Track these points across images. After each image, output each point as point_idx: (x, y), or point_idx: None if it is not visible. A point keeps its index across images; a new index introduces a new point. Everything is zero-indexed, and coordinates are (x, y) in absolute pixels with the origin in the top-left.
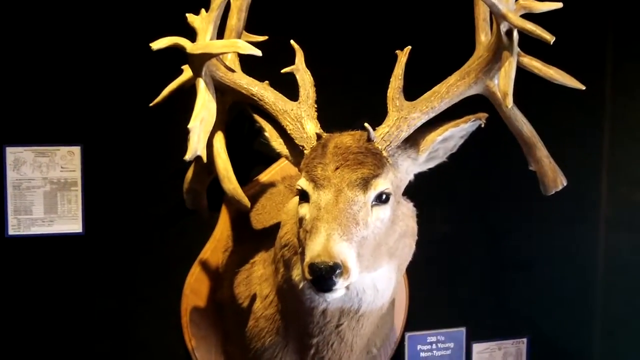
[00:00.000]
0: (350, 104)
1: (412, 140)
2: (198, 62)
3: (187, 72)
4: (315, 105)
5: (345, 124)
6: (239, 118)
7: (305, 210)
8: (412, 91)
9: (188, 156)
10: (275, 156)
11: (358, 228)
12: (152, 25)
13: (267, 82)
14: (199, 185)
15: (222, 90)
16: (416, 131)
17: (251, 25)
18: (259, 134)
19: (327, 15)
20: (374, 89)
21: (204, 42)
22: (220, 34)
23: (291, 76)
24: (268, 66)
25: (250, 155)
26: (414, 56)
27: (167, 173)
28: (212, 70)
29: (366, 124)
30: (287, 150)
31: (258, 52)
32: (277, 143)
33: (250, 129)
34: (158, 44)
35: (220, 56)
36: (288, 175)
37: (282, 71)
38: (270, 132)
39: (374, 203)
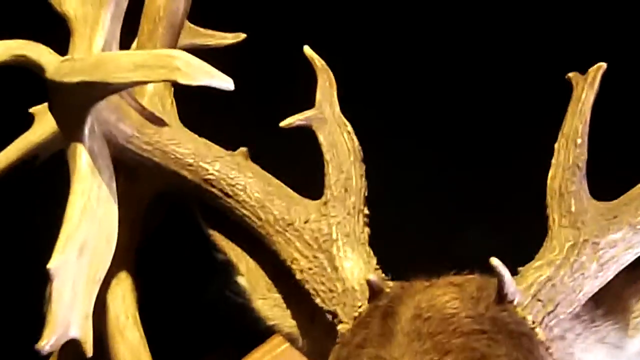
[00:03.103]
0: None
1: (608, 303)
2: (75, 102)
3: (42, 123)
4: (366, 210)
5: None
6: (173, 219)
7: None
8: None
9: (46, 344)
10: (261, 330)
11: None
12: None
13: (243, 149)
14: None
15: (132, 170)
16: (615, 281)
17: (208, 12)
18: (224, 276)
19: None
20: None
21: (90, 56)
22: (129, 30)
23: (304, 134)
24: (248, 106)
25: (202, 324)
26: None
27: None
28: (110, 122)
29: (494, 260)
30: (291, 322)
31: (227, 82)
32: (268, 304)
33: (200, 257)
34: None
35: (131, 91)
36: None
37: (283, 124)
38: (249, 277)
39: None
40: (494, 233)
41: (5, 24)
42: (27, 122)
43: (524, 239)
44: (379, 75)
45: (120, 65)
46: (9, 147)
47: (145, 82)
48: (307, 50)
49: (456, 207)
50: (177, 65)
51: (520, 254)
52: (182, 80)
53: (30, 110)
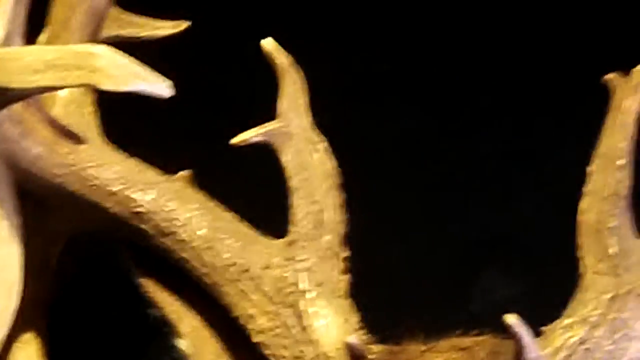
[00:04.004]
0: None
1: None
2: None
3: None
4: (345, 252)
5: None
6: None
7: None
8: None
9: None
10: None
11: None
12: None
13: (185, 173)
14: None
15: (42, 201)
16: None
17: None
18: (160, 339)
19: None
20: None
21: None
22: (34, 20)
23: (264, 153)
24: (192, 117)
25: None
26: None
27: None
28: (11, 138)
29: (510, 318)
30: None
31: (165, 87)
32: None
33: (129, 313)
34: None
35: (39, 98)
36: None
37: (236, 141)
38: (192, 339)
39: None
40: (515, 279)
41: None
42: None
43: (553, 287)
44: (368, 77)
45: (25, 64)
46: None
47: (58, 88)
48: (268, 43)
49: (467, 247)
50: (98, 66)
51: (548, 307)
52: (106, 86)
53: None
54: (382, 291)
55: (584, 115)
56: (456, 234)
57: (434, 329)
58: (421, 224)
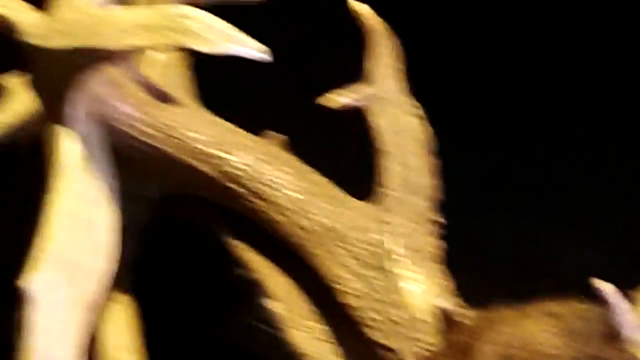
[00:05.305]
0: None
1: None
2: (62, 73)
3: (14, 99)
4: (437, 217)
5: None
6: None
7: None
8: None
9: None
10: None
11: None
12: None
13: (282, 137)
14: None
15: (137, 162)
16: None
17: None
18: (248, 299)
19: None
20: None
21: (83, 13)
22: None
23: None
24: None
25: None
26: None
27: None
28: (106, 100)
29: (600, 283)
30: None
31: (261, 52)
32: (305, 336)
33: (217, 274)
34: None
35: (132, 61)
36: None
37: (326, 102)
38: (281, 300)
39: None
40: (593, 242)
41: None
42: None
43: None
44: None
45: (115, 24)
46: None
47: (148, 48)
48: (358, 5)
49: (540, 210)
50: (190, 28)
51: (625, 270)
52: (199, 47)
53: None
54: (471, 259)
55: None
56: (540, 199)
57: (521, 292)
58: (492, 191)
